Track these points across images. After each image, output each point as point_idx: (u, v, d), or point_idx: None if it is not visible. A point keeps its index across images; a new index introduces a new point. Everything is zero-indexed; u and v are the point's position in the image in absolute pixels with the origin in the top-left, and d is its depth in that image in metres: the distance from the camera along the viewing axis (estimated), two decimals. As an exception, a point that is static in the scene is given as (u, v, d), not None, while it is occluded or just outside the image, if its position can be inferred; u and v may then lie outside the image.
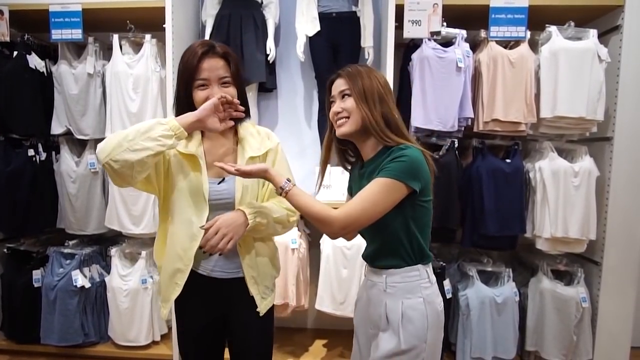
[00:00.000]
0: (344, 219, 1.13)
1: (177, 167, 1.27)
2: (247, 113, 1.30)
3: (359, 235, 2.33)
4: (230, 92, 1.24)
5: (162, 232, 1.35)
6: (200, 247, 1.22)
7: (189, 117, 1.18)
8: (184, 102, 1.27)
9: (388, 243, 1.22)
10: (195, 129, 1.21)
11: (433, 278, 1.26)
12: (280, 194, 1.18)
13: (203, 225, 1.21)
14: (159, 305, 2.47)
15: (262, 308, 1.34)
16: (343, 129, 1.23)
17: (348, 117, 1.22)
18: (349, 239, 1.39)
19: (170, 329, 2.55)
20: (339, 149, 1.34)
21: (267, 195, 1.36)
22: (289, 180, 1.18)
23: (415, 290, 1.21)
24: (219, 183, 1.28)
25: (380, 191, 1.13)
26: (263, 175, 1.19)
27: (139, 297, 2.46)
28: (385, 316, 1.22)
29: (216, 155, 1.30)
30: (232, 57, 1.28)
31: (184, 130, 1.16)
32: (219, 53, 1.24)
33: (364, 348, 1.33)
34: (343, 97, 1.23)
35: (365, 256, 1.33)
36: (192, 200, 1.26)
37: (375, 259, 1.27)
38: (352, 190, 1.38)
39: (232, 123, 1.25)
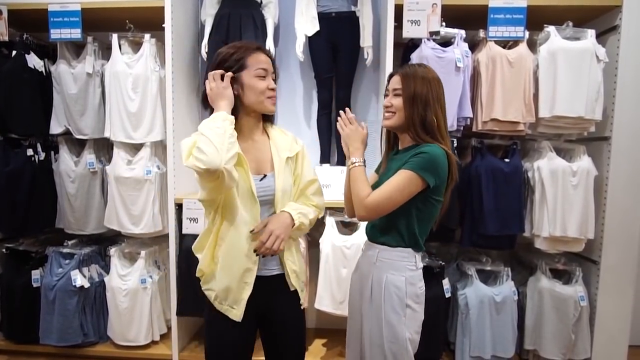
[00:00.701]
0: (372, 204, 1.29)
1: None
2: (272, 117, 1.44)
3: (356, 235, 2.36)
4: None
5: (213, 239, 1.33)
6: (254, 251, 1.27)
7: (225, 105, 1.24)
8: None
9: (387, 221, 1.36)
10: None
11: (420, 265, 1.39)
12: (350, 166, 1.36)
13: (253, 230, 1.27)
14: (159, 306, 2.53)
15: (303, 300, 1.42)
16: (387, 122, 1.41)
17: (394, 113, 1.38)
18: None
19: (169, 328, 2.55)
20: (388, 134, 1.52)
21: (297, 194, 1.41)
22: (363, 160, 1.37)
23: (400, 269, 1.35)
24: (261, 179, 1.33)
25: (402, 182, 1.28)
26: (349, 148, 1.39)
27: (138, 297, 2.46)
28: (370, 287, 1.37)
29: (253, 153, 1.34)
30: (274, 61, 1.40)
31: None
32: (267, 53, 1.36)
33: (356, 317, 1.45)
34: (395, 94, 1.38)
35: (365, 228, 1.50)
36: (243, 199, 1.29)
37: (373, 234, 1.42)
38: (379, 169, 1.55)
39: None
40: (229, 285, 1.31)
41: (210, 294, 1.35)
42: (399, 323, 1.31)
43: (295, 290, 1.40)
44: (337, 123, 1.45)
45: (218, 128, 1.17)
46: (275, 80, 1.37)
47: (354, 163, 1.36)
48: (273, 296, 1.36)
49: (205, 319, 1.41)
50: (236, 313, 1.32)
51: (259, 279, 1.32)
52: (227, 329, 1.33)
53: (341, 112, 1.45)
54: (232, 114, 1.27)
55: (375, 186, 1.37)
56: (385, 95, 1.44)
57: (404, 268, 1.35)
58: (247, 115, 1.34)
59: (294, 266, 1.39)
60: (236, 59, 1.29)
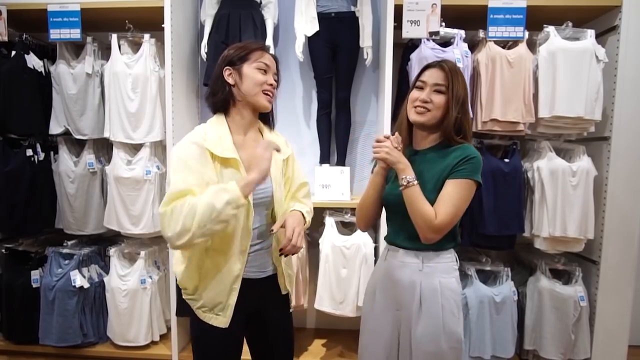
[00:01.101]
0: (443, 225, 1.22)
1: (220, 173, 1.25)
2: (272, 120, 1.45)
3: (355, 235, 2.35)
4: (275, 91, 1.36)
5: (198, 250, 1.28)
6: (280, 251, 1.25)
7: (253, 182, 1.19)
8: (219, 84, 1.31)
9: None
10: None
11: (458, 261, 1.37)
12: (405, 185, 1.24)
13: (272, 230, 1.26)
14: (159, 306, 2.53)
15: (293, 304, 1.43)
16: (419, 117, 1.31)
17: (429, 110, 1.29)
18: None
19: (169, 329, 2.55)
20: (407, 128, 1.40)
21: (288, 197, 1.42)
22: (415, 178, 1.25)
23: (450, 270, 1.32)
24: None
25: (467, 194, 1.25)
26: (397, 166, 1.26)
27: (138, 297, 2.46)
28: (419, 295, 1.29)
29: (248, 151, 1.31)
30: (279, 65, 1.39)
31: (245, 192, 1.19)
32: (274, 56, 1.37)
33: (386, 328, 1.36)
34: (436, 90, 1.29)
35: (394, 239, 1.38)
36: None
37: (410, 241, 1.32)
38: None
39: None
40: (217, 294, 1.27)
41: (194, 303, 1.30)
42: (457, 325, 1.29)
43: (287, 294, 1.39)
44: (373, 150, 1.30)
45: (211, 210, 1.13)
46: (277, 82, 1.37)
47: (409, 182, 1.24)
48: (263, 298, 1.34)
49: (191, 328, 1.36)
50: (222, 320, 1.27)
51: (249, 282, 1.30)
52: (215, 336, 1.29)
53: (379, 137, 1.30)
54: (228, 106, 1.30)
55: (394, 194, 1.30)
56: (418, 88, 1.33)
57: (452, 269, 1.33)
58: (242, 109, 1.32)
59: (289, 269, 1.39)
60: (240, 53, 1.30)
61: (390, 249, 1.40)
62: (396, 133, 1.32)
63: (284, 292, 1.39)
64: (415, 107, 1.31)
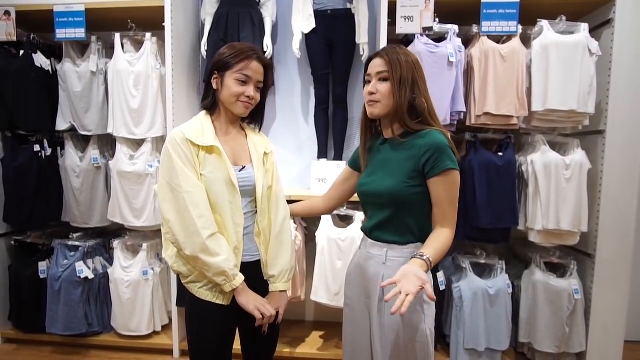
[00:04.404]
0: (453, 227, 1.27)
1: (204, 161, 1.32)
2: (261, 119, 1.50)
3: (352, 227, 2.38)
4: (257, 97, 1.38)
5: None
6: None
7: (243, 296, 1.32)
8: (207, 87, 1.40)
9: (397, 218, 1.28)
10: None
11: None
12: (429, 267, 1.15)
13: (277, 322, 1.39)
14: (161, 297, 2.60)
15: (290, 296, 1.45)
16: (373, 110, 1.29)
17: (378, 101, 1.27)
18: None
19: (171, 320, 2.61)
20: (368, 124, 1.41)
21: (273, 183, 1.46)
22: (422, 254, 1.16)
23: None
24: (240, 170, 1.36)
25: (450, 186, 1.24)
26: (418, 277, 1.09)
27: (141, 288, 2.53)
28: (382, 288, 1.26)
29: (231, 145, 1.38)
30: (271, 70, 1.43)
31: (237, 284, 1.30)
32: (264, 62, 1.38)
33: (361, 316, 1.38)
34: (380, 78, 1.27)
35: (366, 228, 1.38)
36: (223, 189, 1.31)
37: (378, 232, 1.32)
38: (355, 163, 1.48)
39: None
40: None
41: (194, 286, 1.35)
42: (420, 321, 1.25)
43: (267, 280, 1.42)
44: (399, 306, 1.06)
45: (217, 269, 1.27)
46: (265, 90, 1.41)
47: (428, 265, 1.14)
48: (251, 281, 1.37)
49: (186, 307, 1.41)
50: (227, 296, 1.33)
51: (243, 265, 1.35)
52: (210, 314, 1.34)
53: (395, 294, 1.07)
54: (213, 105, 1.38)
55: (367, 185, 1.32)
56: (367, 82, 1.32)
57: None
58: (225, 110, 1.39)
59: (266, 255, 1.42)
60: (226, 60, 1.34)
61: (363, 238, 1.41)
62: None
63: (265, 278, 1.43)
64: (368, 101, 1.30)
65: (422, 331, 1.26)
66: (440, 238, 1.23)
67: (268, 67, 1.40)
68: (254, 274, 1.40)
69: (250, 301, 1.31)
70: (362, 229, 1.41)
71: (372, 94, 1.28)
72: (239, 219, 1.34)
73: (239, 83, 1.33)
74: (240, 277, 1.30)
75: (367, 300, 1.36)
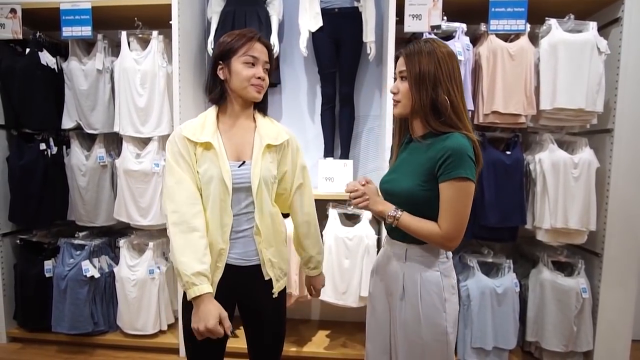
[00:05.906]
0: (450, 234, 1.18)
1: (201, 158, 1.31)
2: (265, 108, 1.44)
3: (359, 226, 2.37)
4: (266, 80, 1.36)
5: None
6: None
7: (198, 309, 1.21)
8: (214, 80, 1.36)
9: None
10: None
11: (450, 254, 1.31)
12: (393, 221, 1.23)
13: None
14: (167, 296, 2.59)
15: (275, 289, 1.41)
16: (394, 110, 1.30)
17: (399, 101, 1.26)
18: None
19: (177, 319, 2.60)
20: (402, 121, 1.37)
21: (274, 193, 1.42)
22: (396, 208, 1.23)
23: (434, 264, 1.27)
24: (239, 166, 1.33)
25: (460, 194, 1.16)
26: (377, 208, 1.28)
27: (147, 287, 2.53)
28: (402, 286, 1.29)
29: (234, 139, 1.35)
30: (272, 52, 1.39)
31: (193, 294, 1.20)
32: (265, 43, 1.36)
33: (382, 314, 1.39)
34: (401, 77, 1.25)
35: (387, 228, 1.36)
36: (216, 187, 1.29)
37: (398, 231, 1.29)
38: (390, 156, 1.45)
39: None
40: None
41: None
42: (441, 319, 1.24)
43: (270, 280, 1.39)
44: (354, 203, 1.29)
45: (186, 269, 1.20)
46: (270, 71, 1.38)
47: (394, 216, 1.22)
48: (246, 285, 1.37)
49: (182, 304, 1.39)
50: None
51: (233, 268, 1.33)
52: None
53: (350, 187, 1.30)
54: (221, 97, 1.35)
55: (387, 183, 1.32)
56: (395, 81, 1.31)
57: (436, 262, 1.27)
58: (234, 100, 1.35)
59: (269, 255, 1.38)
60: (229, 46, 1.32)
61: (387, 236, 1.41)
62: (362, 178, 1.33)
63: (267, 278, 1.39)
64: (393, 101, 1.30)
65: (442, 328, 1.25)
66: (427, 224, 1.20)
67: (270, 48, 1.38)
68: (253, 278, 1.37)
69: (201, 319, 1.19)
70: (385, 227, 1.41)
71: (394, 94, 1.28)
72: (227, 219, 1.30)
73: (248, 65, 1.31)
74: (202, 289, 1.20)
75: (389, 297, 1.37)
